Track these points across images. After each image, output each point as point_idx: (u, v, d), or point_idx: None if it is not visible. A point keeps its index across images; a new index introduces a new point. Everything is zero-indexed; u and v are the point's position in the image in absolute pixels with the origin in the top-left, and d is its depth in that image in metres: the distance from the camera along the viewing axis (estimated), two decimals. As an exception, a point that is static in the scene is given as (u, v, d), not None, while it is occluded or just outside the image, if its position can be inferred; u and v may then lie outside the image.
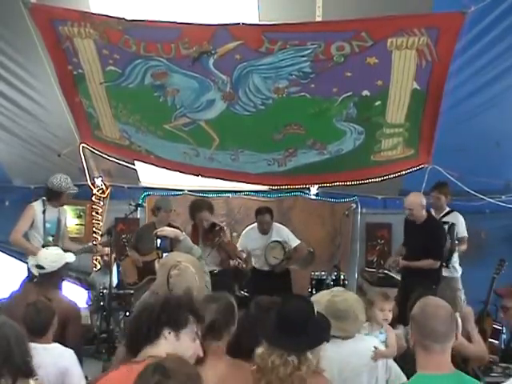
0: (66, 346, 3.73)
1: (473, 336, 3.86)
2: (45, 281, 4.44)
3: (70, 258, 4.92)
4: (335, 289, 3.66)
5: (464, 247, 6.22)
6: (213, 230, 5.90)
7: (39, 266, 4.43)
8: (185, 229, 6.20)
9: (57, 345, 3.59)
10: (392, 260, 6.18)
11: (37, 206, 5.77)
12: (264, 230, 6.53)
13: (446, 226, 6.03)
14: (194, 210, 5.94)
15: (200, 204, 6.03)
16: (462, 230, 6.19)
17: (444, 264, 5.83)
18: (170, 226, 5.72)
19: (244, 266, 6.26)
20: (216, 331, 2.77)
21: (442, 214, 6.19)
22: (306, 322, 2.65)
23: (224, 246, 5.98)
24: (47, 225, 5.65)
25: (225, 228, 6.10)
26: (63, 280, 5.80)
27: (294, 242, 6.55)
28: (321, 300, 3.35)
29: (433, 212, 6.14)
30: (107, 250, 6.42)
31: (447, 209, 6.25)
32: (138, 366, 2.18)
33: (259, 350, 2.64)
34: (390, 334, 3.54)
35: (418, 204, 5.70)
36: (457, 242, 6.11)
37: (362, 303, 3.39)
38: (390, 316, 3.64)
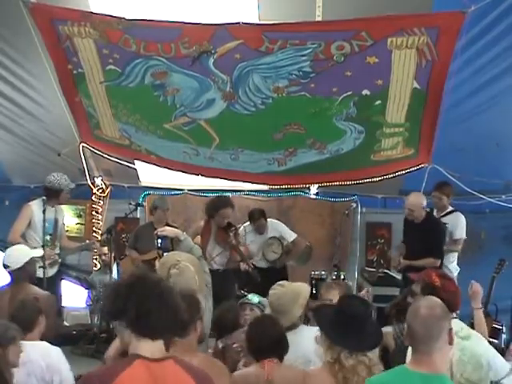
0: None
1: (475, 315, 3.86)
2: (15, 278, 4.49)
3: (37, 253, 4.97)
4: (280, 282, 3.81)
5: (457, 248, 6.19)
6: (228, 229, 5.83)
7: (5, 265, 4.47)
8: (185, 228, 6.23)
9: (44, 342, 3.61)
10: (393, 261, 6.19)
11: (35, 205, 5.80)
12: (260, 231, 6.58)
13: None
14: (218, 205, 5.79)
15: (226, 200, 5.92)
16: (459, 231, 6.16)
17: None
18: (168, 225, 5.75)
19: (251, 269, 6.27)
20: None
21: (442, 214, 6.19)
22: (369, 323, 2.80)
23: (238, 249, 5.96)
24: (46, 224, 5.67)
25: (238, 229, 6.02)
26: (62, 279, 5.83)
27: (291, 236, 6.62)
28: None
29: (434, 212, 6.14)
30: (106, 249, 6.43)
31: (449, 208, 6.25)
32: (157, 365, 2.12)
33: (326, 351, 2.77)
34: None
35: (419, 205, 5.71)
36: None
37: (302, 297, 3.62)
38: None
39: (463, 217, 6.20)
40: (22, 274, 4.49)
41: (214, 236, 5.85)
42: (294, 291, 3.68)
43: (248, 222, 6.68)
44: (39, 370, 3.48)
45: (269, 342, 3.13)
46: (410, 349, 3.75)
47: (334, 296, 3.78)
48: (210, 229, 5.85)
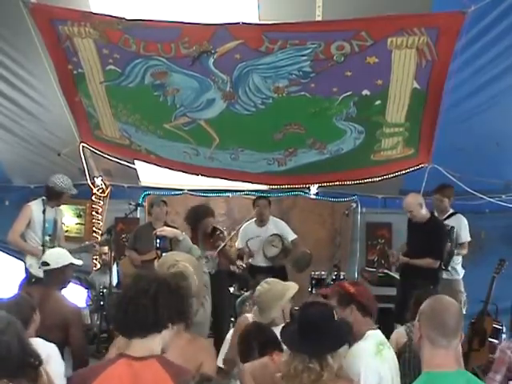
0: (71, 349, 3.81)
1: None
2: (49, 279, 4.40)
3: (77, 261, 4.71)
4: (268, 279, 3.90)
5: (464, 252, 6.20)
6: (214, 234, 5.90)
7: (44, 263, 4.40)
8: (185, 228, 6.22)
9: (38, 339, 3.58)
10: (391, 253, 6.19)
11: (34, 205, 5.80)
12: (262, 218, 6.62)
13: (447, 230, 6.01)
14: (199, 216, 5.95)
15: (205, 211, 6.07)
16: (464, 234, 6.17)
17: (443, 267, 5.82)
18: (167, 226, 5.76)
19: (242, 269, 6.30)
20: None
21: (444, 217, 6.18)
22: (326, 326, 2.72)
23: (225, 252, 5.99)
24: (46, 224, 5.67)
25: (225, 232, 6.13)
26: (68, 283, 5.81)
27: (291, 235, 6.67)
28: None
29: (435, 214, 6.14)
30: (106, 248, 6.43)
31: (450, 211, 6.24)
32: (139, 363, 2.17)
33: (283, 357, 2.77)
34: None
35: (416, 204, 5.71)
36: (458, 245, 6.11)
37: (286, 298, 3.70)
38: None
39: (465, 219, 6.21)
40: (56, 277, 4.37)
41: (201, 244, 5.86)
42: (278, 290, 3.74)
43: (249, 221, 6.70)
44: None
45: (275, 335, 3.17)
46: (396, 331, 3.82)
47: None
48: (197, 235, 5.89)
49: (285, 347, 2.96)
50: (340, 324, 2.87)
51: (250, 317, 3.92)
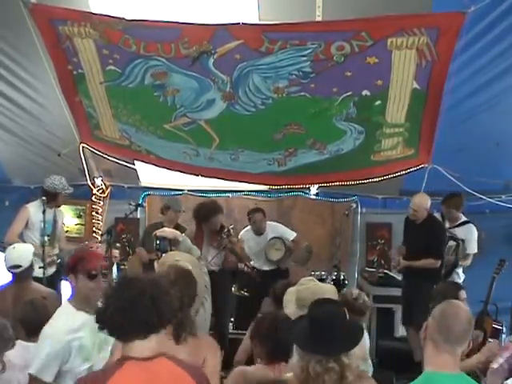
0: None
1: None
2: (23, 277, 4.44)
3: (32, 248, 4.86)
4: (302, 279, 3.80)
5: (468, 263, 6.20)
6: (221, 232, 5.82)
7: (15, 266, 4.42)
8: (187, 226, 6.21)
9: (30, 343, 3.58)
10: (393, 261, 6.20)
11: (32, 207, 5.86)
12: (259, 229, 6.56)
13: (454, 243, 6.01)
14: (209, 213, 5.80)
15: (215, 208, 5.89)
16: (472, 246, 6.15)
17: (444, 277, 5.81)
18: (176, 226, 5.76)
19: (250, 269, 6.26)
20: None
21: (454, 225, 6.17)
22: (340, 325, 2.66)
23: (233, 250, 5.94)
24: (45, 225, 5.67)
25: (231, 230, 5.96)
26: (61, 280, 5.82)
27: (291, 235, 6.63)
28: (292, 291, 3.66)
29: (447, 224, 6.12)
30: (117, 252, 6.41)
31: (462, 219, 6.22)
32: (150, 363, 2.14)
33: (294, 360, 2.68)
34: None
35: (423, 207, 5.73)
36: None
37: (332, 292, 3.58)
38: None
39: (475, 229, 6.18)
40: (28, 272, 4.47)
41: (207, 240, 5.84)
42: (321, 288, 3.68)
43: (246, 228, 6.68)
44: None
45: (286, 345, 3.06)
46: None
47: None
48: (203, 233, 5.84)
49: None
50: (352, 323, 2.84)
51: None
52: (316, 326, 2.64)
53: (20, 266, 4.41)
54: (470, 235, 6.16)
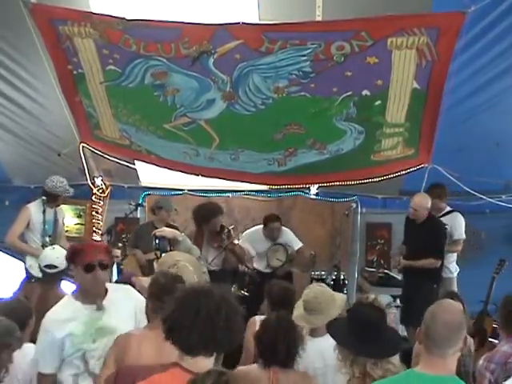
0: None
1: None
2: (51, 279, 4.46)
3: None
4: (312, 285, 3.84)
5: (457, 249, 6.17)
6: (221, 232, 5.80)
7: (52, 266, 4.43)
8: (185, 228, 6.21)
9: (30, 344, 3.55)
10: (393, 261, 6.19)
11: (33, 207, 5.84)
12: (274, 237, 6.52)
13: None
14: (209, 215, 5.77)
15: (215, 209, 5.86)
16: (458, 232, 6.13)
17: None
18: (168, 225, 5.73)
19: (250, 270, 6.25)
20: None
21: (439, 215, 6.17)
22: (384, 329, 2.71)
23: (234, 251, 5.93)
24: (45, 225, 5.67)
25: (232, 230, 5.94)
26: (62, 279, 5.82)
27: (297, 244, 6.58)
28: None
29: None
30: (118, 251, 6.40)
31: (447, 209, 6.23)
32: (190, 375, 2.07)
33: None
34: None
35: (424, 207, 5.70)
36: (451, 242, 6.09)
37: (339, 299, 3.60)
38: None
39: (461, 217, 6.17)
40: (58, 277, 4.49)
41: (207, 240, 5.82)
42: (329, 292, 3.67)
43: (256, 227, 6.65)
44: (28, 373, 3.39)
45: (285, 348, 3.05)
46: None
47: None
48: (203, 234, 5.81)
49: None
50: (392, 329, 2.85)
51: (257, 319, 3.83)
52: (364, 327, 2.67)
53: (56, 267, 4.43)
54: (455, 221, 6.12)
